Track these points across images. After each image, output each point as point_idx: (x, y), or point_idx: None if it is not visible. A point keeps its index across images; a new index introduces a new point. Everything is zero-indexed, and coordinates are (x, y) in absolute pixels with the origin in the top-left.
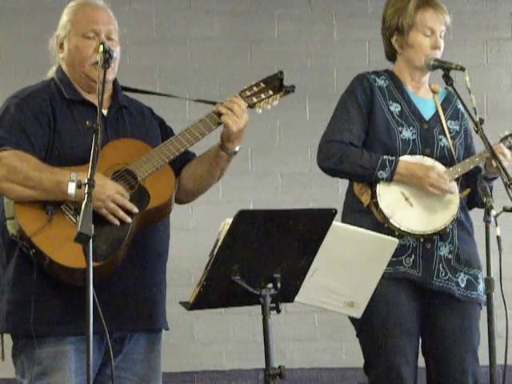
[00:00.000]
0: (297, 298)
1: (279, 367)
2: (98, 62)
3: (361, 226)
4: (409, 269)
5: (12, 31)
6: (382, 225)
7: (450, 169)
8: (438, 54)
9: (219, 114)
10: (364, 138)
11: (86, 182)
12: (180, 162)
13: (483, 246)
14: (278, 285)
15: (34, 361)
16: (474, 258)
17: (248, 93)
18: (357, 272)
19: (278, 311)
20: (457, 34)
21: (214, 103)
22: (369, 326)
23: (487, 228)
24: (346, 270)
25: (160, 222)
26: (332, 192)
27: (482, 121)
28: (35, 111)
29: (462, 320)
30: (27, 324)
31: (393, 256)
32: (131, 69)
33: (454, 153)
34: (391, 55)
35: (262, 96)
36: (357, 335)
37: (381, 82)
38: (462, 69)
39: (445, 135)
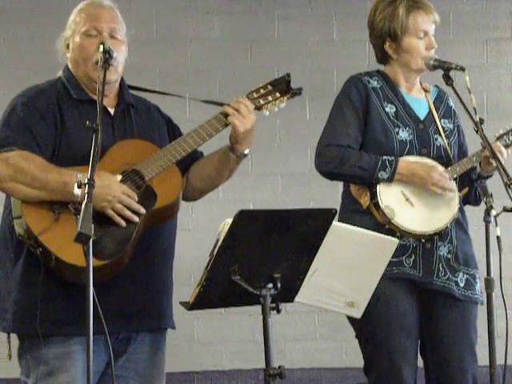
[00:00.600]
0: (297, 298)
1: (279, 367)
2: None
3: (361, 228)
4: (409, 269)
5: (12, 31)
6: (382, 226)
7: (449, 168)
8: (433, 52)
9: (226, 115)
10: (361, 141)
11: (85, 182)
12: (188, 161)
13: (483, 245)
14: (278, 285)
15: (40, 361)
16: (472, 257)
17: (255, 95)
18: (357, 272)
19: (278, 311)
20: (457, 34)
21: (221, 104)
22: (369, 327)
23: (487, 228)
24: (346, 270)
25: (168, 222)
26: (332, 192)
27: (482, 121)
28: (42, 111)
29: (462, 319)
30: (34, 324)
31: (393, 256)
32: (131, 69)
33: (449, 152)
34: (383, 58)
35: (269, 98)
36: (356, 336)
37: (374, 83)
38: (462, 69)
39: (440, 134)
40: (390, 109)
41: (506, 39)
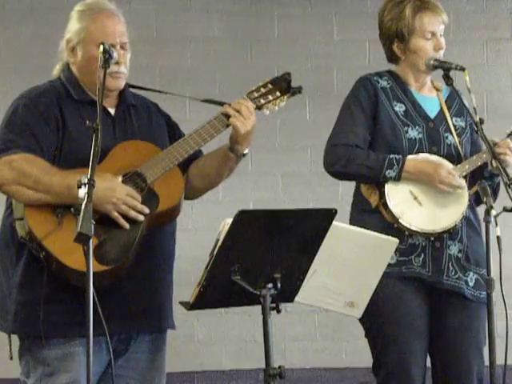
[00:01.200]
0: (297, 298)
1: (279, 367)
2: (114, 72)
3: (370, 227)
4: (418, 268)
5: (12, 31)
6: (391, 225)
7: (458, 166)
8: (442, 53)
9: (227, 116)
10: (370, 140)
11: (85, 182)
12: (187, 160)
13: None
14: (278, 285)
15: (41, 361)
16: (483, 257)
17: (255, 94)
18: (357, 272)
19: (278, 311)
20: (457, 34)
21: (221, 104)
22: (377, 326)
23: (487, 228)
24: (346, 270)
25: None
26: (332, 192)
27: (482, 121)
28: (44, 112)
29: (470, 319)
30: (35, 325)
31: (402, 255)
32: (131, 68)
33: (460, 150)
34: (393, 59)
35: (270, 97)
36: (365, 335)
37: (384, 83)
38: (462, 69)
39: (451, 132)
40: (400, 108)
41: (506, 39)
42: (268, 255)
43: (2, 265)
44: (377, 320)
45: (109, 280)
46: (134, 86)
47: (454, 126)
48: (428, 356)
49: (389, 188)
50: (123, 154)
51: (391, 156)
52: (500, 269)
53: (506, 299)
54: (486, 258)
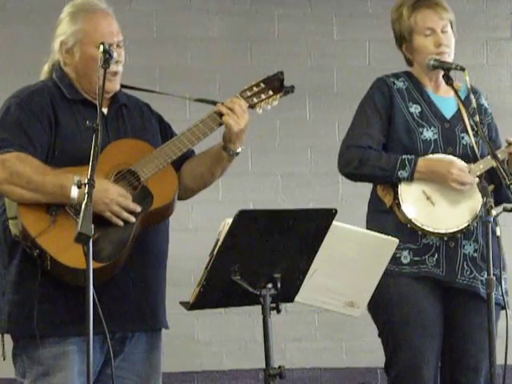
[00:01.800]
0: (297, 298)
1: (279, 367)
2: (112, 73)
3: (384, 227)
4: (432, 268)
5: (12, 31)
6: (405, 225)
7: (472, 165)
8: (446, 49)
9: (220, 114)
10: (384, 142)
11: (85, 181)
12: (180, 159)
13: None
14: (278, 285)
15: (36, 361)
16: (498, 257)
17: (248, 93)
18: (357, 272)
19: (278, 311)
20: (457, 34)
21: (214, 103)
22: (389, 326)
23: (487, 228)
24: (346, 270)
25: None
26: (332, 192)
27: (482, 121)
28: (36, 111)
29: (482, 319)
30: (29, 324)
31: (416, 255)
32: (131, 69)
33: (477, 150)
34: (407, 61)
35: (263, 96)
36: (379, 335)
37: (400, 84)
38: (462, 69)
39: (467, 133)
40: (415, 109)
41: (506, 39)
42: (268, 255)
43: None
44: (389, 319)
45: (103, 278)
46: (126, 87)
47: (471, 126)
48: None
49: (402, 188)
50: (116, 153)
51: (403, 157)
52: (500, 269)
53: (506, 299)
54: (487, 258)
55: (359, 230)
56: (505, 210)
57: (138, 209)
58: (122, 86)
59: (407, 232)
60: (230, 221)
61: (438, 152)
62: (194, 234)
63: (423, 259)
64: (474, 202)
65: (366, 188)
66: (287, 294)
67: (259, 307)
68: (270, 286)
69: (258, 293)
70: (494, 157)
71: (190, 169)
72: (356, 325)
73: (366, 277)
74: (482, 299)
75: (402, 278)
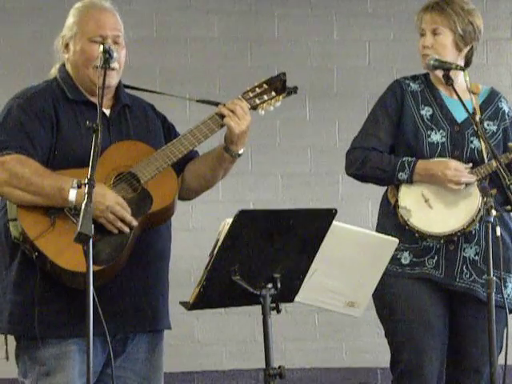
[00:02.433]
0: (297, 298)
1: (279, 367)
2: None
3: (385, 228)
4: (431, 269)
5: (12, 31)
6: (403, 227)
7: (473, 170)
8: (428, 51)
9: (222, 116)
10: (392, 143)
11: (85, 182)
12: (183, 161)
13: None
14: (278, 285)
15: (37, 361)
16: (503, 259)
17: (251, 94)
18: (357, 272)
19: (278, 311)
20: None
21: (216, 104)
22: (392, 325)
23: (487, 228)
24: (346, 270)
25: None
26: (332, 192)
27: (482, 121)
28: (38, 113)
29: (484, 322)
30: (30, 325)
31: (416, 257)
32: (131, 69)
33: (485, 154)
34: None
35: (265, 97)
36: (385, 335)
37: (415, 86)
38: (462, 69)
39: (477, 137)
40: (427, 112)
41: (506, 39)
42: (268, 255)
43: None
44: (390, 319)
45: (101, 280)
46: (129, 87)
47: (484, 129)
48: None
49: (402, 190)
50: (117, 155)
51: (404, 159)
52: (500, 269)
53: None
54: (486, 258)
55: (359, 230)
56: (505, 210)
57: (134, 223)
58: (126, 87)
59: (408, 233)
60: (229, 221)
61: (445, 155)
62: (194, 234)
63: (423, 261)
64: (472, 205)
65: (366, 188)
66: (287, 294)
67: (259, 307)
68: (270, 286)
69: (258, 293)
70: (494, 157)
71: (193, 170)
72: (356, 325)
73: (366, 277)
74: (482, 302)
75: (402, 278)
